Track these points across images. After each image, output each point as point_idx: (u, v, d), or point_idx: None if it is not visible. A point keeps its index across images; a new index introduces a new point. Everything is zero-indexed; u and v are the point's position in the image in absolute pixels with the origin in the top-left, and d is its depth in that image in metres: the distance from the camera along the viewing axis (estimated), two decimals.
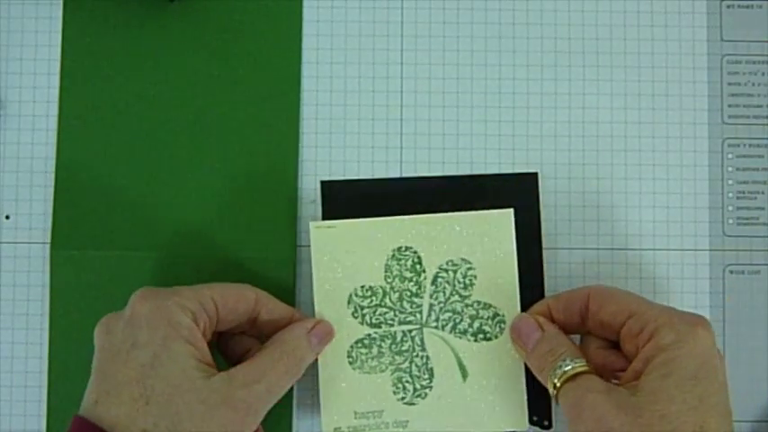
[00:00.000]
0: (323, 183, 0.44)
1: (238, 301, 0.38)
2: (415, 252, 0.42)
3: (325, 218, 0.43)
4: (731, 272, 0.44)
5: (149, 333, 0.35)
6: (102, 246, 0.43)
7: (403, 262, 0.42)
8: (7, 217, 0.44)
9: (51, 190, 0.44)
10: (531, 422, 0.42)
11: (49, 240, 0.44)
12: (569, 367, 0.37)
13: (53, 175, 0.44)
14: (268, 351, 0.38)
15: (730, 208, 0.44)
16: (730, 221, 0.44)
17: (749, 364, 0.43)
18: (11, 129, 0.44)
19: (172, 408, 0.34)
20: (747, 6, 0.45)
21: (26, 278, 0.44)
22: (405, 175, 0.44)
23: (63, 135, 0.44)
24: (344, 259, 0.42)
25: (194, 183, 0.44)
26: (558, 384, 0.37)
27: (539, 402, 0.42)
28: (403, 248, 0.42)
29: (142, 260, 0.43)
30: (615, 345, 0.39)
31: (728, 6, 0.45)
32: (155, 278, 0.43)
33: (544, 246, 0.44)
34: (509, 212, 0.42)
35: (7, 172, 0.44)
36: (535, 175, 0.44)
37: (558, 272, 0.44)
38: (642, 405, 0.34)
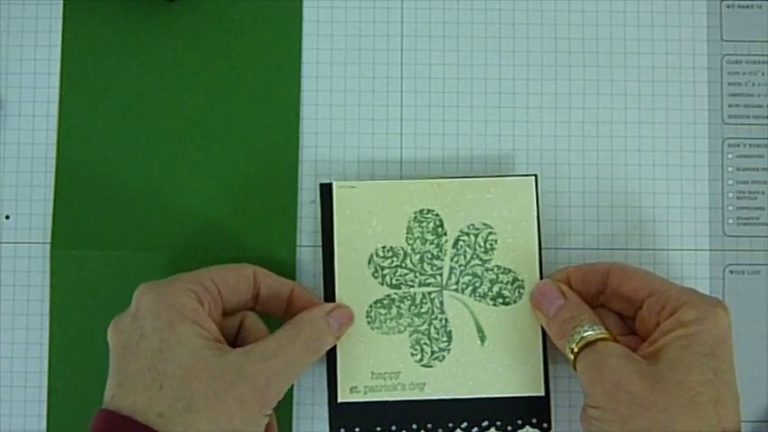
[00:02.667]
0: (322, 185, 0.44)
1: (238, 279, 0.39)
2: (437, 215, 0.43)
3: (323, 220, 0.43)
4: (731, 272, 0.44)
5: (154, 322, 0.36)
6: (102, 246, 0.43)
7: (425, 224, 0.43)
8: (7, 217, 0.44)
9: (51, 190, 0.44)
10: (531, 424, 0.42)
11: (49, 240, 0.44)
12: (588, 333, 0.38)
13: (53, 175, 0.44)
14: (285, 330, 0.38)
15: (730, 208, 0.44)
16: (730, 221, 0.44)
17: (749, 365, 0.43)
18: (11, 129, 0.44)
19: (186, 389, 0.34)
20: (747, 6, 0.45)
21: (26, 278, 0.44)
22: (405, 175, 0.44)
23: (63, 135, 0.44)
24: (366, 220, 0.43)
25: (194, 183, 0.44)
26: (576, 350, 0.38)
27: (539, 405, 0.42)
28: (425, 211, 0.43)
29: (142, 260, 0.43)
30: (627, 329, 0.40)
31: (728, 6, 0.45)
32: (155, 278, 0.43)
33: (544, 246, 0.44)
34: (531, 179, 0.43)
35: (7, 172, 0.44)
36: (534, 177, 0.44)
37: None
38: (661, 373, 0.35)
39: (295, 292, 0.41)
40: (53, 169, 0.44)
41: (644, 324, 0.39)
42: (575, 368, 0.38)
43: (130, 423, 0.34)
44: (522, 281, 0.43)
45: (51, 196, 0.44)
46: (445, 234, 0.43)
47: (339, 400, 0.42)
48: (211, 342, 0.36)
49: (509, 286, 0.43)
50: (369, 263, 0.43)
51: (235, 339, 0.40)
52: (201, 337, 0.36)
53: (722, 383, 0.35)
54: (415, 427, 0.42)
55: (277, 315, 0.41)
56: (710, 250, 0.44)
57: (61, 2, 0.45)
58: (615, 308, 0.41)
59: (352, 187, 0.43)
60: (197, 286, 0.37)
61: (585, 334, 0.38)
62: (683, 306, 0.37)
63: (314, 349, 0.38)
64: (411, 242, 0.43)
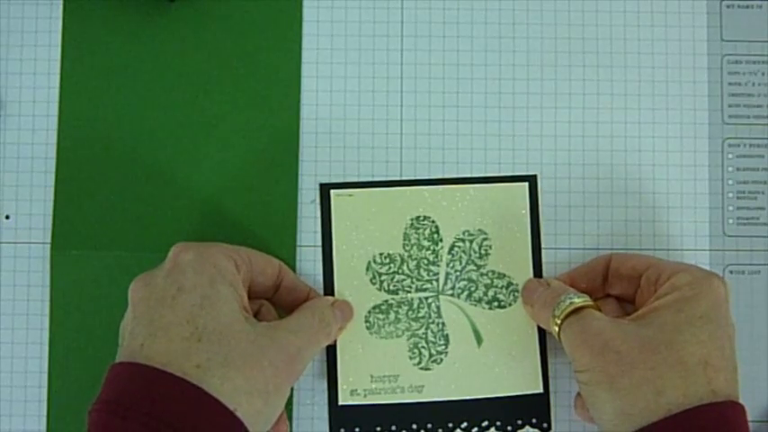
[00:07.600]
0: (322, 185, 0.44)
1: (266, 264, 0.40)
2: (433, 222, 0.43)
3: (323, 220, 0.43)
4: (731, 272, 0.44)
5: (196, 277, 0.36)
6: (102, 246, 0.43)
7: (421, 231, 0.43)
8: (7, 217, 0.44)
9: (51, 190, 0.44)
10: (531, 424, 0.42)
11: (49, 240, 0.44)
12: (571, 301, 0.38)
13: (53, 175, 0.44)
14: (301, 312, 0.40)
15: (730, 208, 0.44)
16: (730, 221, 0.44)
17: (749, 364, 0.43)
18: (11, 129, 0.44)
19: (224, 345, 0.34)
20: (747, 6, 0.45)
21: (26, 278, 0.44)
22: (405, 174, 0.44)
23: (63, 135, 0.44)
24: (364, 227, 0.43)
25: (194, 183, 0.44)
26: (560, 321, 0.38)
27: (538, 404, 0.42)
28: (421, 218, 0.43)
29: (142, 260, 0.43)
30: (625, 314, 0.40)
31: (728, 6, 0.45)
32: None
33: (544, 246, 0.44)
34: (524, 185, 0.44)
35: (7, 172, 0.44)
36: (534, 177, 0.44)
37: (558, 272, 0.44)
38: (650, 334, 0.36)
39: (311, 294, 0.42)
40: (53, 169, 0.44)
41: (642, 297, 0.39)
42: (559, 339, 0.38)
43: (167, 376, 0.33)
44: (517, 285, 0.43)
45: (51, 196, 0.44)
46: (441, 240, 0.43)
47: (340, 403, 0.42)
48: (244, 310, 0.37)
49: (504, 290, 0.43)
50: (367, 269, 0.43)
51: None
52: (238, 302, 0.36)
53: (716, 348, 0.35)
54: (414, 427, 0.42)
55: (289, 311, 0.41)
56: (710, 250, 0.44)
57: (61, 2, 0.45)
58: (617, 291, 0.41)
59: (350, 195, 0.43)
60: (235, 254, 0.38)
61: (569, 302, 0.38)
62: (679, 273, 0.37)
63: (325, 333, 0.40)
64: (408, 249, 0.43)
